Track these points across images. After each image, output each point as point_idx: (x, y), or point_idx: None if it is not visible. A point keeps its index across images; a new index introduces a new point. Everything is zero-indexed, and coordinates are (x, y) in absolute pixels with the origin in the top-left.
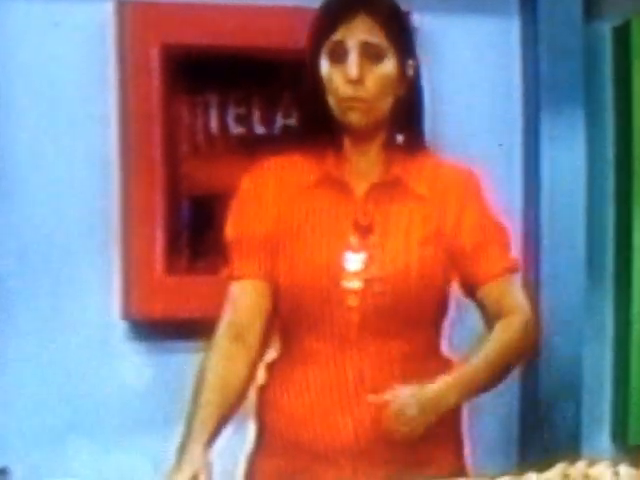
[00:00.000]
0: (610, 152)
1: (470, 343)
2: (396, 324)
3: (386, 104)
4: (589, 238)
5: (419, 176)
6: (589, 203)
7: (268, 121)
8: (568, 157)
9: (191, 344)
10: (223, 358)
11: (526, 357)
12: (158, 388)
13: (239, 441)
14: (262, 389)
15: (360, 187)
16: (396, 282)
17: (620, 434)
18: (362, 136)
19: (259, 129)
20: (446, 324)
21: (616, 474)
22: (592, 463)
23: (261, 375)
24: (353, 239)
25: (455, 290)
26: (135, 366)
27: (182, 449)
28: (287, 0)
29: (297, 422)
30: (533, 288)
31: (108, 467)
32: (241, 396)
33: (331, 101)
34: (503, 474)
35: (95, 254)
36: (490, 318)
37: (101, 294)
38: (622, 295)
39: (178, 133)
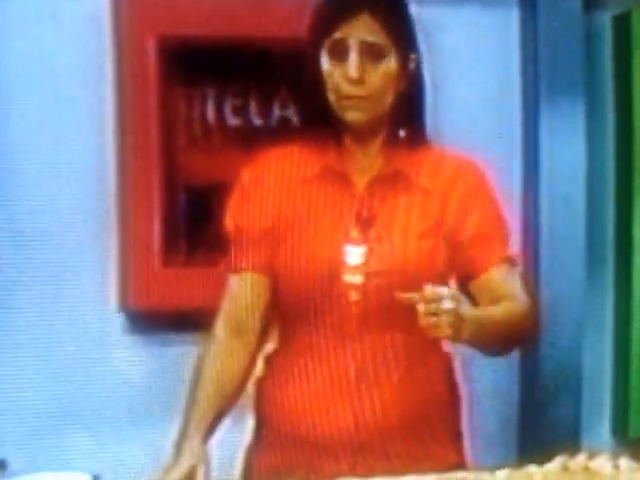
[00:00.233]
0: (610, 144)
1: None
2: (396, 317)
3: (387, 100)
4: (589, 231)
5: (421, 169)
6: (589, 195)
7: (265, 112)
8: (568, 148)
9: (188, 336)
10: (221, 351)
11: (525, 342)
12: (156, 380)
13: (237, 434)
14: (260, 382)
15: (361, 180)
16: (396, 275)
17: (620, 427)
18: (363, 131)
19: (256, 120)
20: None
21: (616, 467)
22: (592, 456)
23: (260, 368)
24: (354, 232)
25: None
26: (132, 358)
27: (180, 442)
28: None
29: (296, 415)
30: (533, 281)
31: (106, 458)
32: (239, 389)
33: (331, 97)
34: (503, 467)
35: (92, 246)
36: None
37: (98, 286)
38: (622, 288)
39: (175, 124)
